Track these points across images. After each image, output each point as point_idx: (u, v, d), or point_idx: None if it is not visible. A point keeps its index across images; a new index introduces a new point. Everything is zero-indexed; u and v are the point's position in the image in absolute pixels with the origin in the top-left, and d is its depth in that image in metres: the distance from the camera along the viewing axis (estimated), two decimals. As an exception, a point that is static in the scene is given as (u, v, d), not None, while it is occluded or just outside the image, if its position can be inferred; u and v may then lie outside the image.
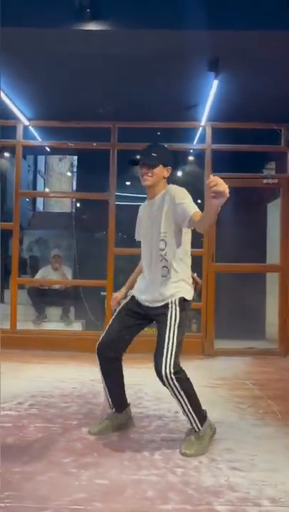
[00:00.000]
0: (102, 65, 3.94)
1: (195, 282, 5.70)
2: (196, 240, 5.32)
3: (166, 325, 2.36)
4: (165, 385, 2.30)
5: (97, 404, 3.17)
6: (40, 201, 9.40)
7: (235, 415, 3.03)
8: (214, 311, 5.19)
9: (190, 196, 2.37)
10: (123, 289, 2.73)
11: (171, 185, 2.48)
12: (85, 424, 2.75)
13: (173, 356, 2.29)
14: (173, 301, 2.42)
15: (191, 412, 2.39)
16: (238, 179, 5.26)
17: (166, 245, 2.42)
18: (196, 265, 5.34)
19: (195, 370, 4.39)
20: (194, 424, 2.41)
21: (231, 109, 4.78)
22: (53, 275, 6.03)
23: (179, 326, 2.38)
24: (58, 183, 10.86)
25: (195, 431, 2.42)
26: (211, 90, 4.19)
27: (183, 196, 2.35)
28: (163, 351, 2.29)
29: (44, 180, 9.89)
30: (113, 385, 2.61)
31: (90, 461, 2.23)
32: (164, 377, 2.26)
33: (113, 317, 2.61)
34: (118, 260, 5.29)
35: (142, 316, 2.56)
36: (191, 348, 5.06)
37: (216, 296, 5.21)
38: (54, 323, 5.88)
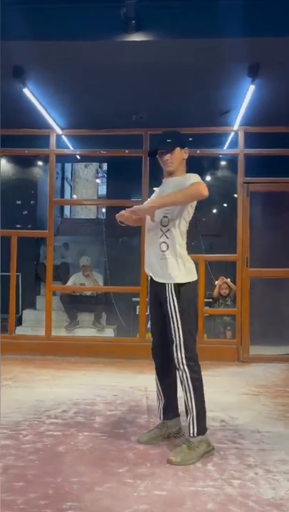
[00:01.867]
0: (137, 74, 3.96)
1: (229, 288, 5.72)
2: (230, 246, 5.33)
3: (169, 314, 2.45)
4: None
5: (140, 412, 3.18)
6: (67, 207, 9.51)
7: (281, 424, 2.99)
8: (249, 317, 5.14)
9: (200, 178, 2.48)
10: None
11: (190, 173, 2.57)
12: (133, 433, 2.76)
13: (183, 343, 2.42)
14: (169, 287, 2.44)
15: (194, 413, 2.40)
16: (270, 183, 5.23)
17: (168, 223, 2.47)
18: (230, 271, 5.36)
19: (232, 376, 4.39)
20: (191, 428, 2.40)
21: (264, 114, 4.75)
22: (84, 281, 6.08)
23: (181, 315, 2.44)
24: (84, 189, 10.96)
25: (189, 440, 2.39)
26: (247, 96, 4.17)
27: (194, 177, 2.48)
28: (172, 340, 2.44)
29: (71, 187, 10.00)
30: (167, 390, 2.64)
31: (144, 472, 2.23)
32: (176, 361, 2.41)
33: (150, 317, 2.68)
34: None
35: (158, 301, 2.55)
36: (226, 354, 5.05)
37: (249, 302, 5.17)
38: (86, 329, 5.93)
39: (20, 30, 3.34)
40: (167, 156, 2.52)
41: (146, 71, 3.78)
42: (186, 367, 2.41)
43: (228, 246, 5.27)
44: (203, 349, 5.14)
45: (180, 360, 2.42)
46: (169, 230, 2.47)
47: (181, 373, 2.43)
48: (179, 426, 2.70)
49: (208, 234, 6.04)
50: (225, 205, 6.04)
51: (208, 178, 6.41)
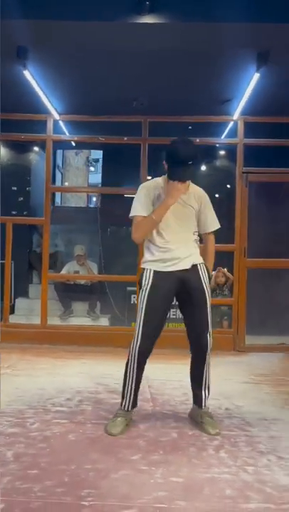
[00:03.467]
0: (142, 58, 3.89)
1: (226, 277, 5.72)
2: (227, 235, 5.32)
3: (203, 296, 2.62)
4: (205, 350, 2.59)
5: (145, 400, 3.16)
6: (57, 195, 9.37)
7: (287, 412, 3.01)
8: (245, 306, 5.16)
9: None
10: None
11: (193, 185, 2.68)
12: (140, 421, 2.74)
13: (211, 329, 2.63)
14: (201, 266, 2.64)
15: (209, 388, 2.69)
16: (270, 174, 5.23)
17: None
18: (228, 260, 5.35)
19: (230, 365, 4.41)
20: (205, 401, 2.69)
21: (265, 104, 4.72)
22: (78, 270, 6.03)
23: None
24: (75, 177, 10.82)
25: (207, 411, 2.69)
26: (250, 84, 4.13)
27: (210, 206, 2.73)
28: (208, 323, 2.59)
29: (62, 174, 9.85)
30: (139, 382, 2.67)
31: (158, 459, 2.23)
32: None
33: (145, 312, 2.55)
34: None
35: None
36: (222, 343, 5.04)
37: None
38: (80, 318, 5.88)
39: (23, 9, 3.23)
40: (182, 185, 2.48)
41: (152, 55, 3.70)
42: (210, 351, 2.62)
43: (226, 236, 5.26)
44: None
45: (208, 345, 2.60)
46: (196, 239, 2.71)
47: (207, 356, 2.62)
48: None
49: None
50: (223, 194, 6.02)
51: (206, 167, 6.39)
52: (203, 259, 2.67)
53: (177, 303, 2.71)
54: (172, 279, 2.56)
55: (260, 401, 3.22)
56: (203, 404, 2.67)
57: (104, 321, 5.86)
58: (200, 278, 2.59)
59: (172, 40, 3.35)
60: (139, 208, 2.58)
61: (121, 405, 2.64)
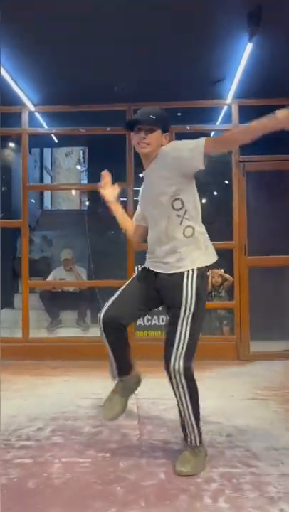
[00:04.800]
0: (118, 36, 3.44)
1: (223, 279, 5.22)
2: (226, 232, 4.82)
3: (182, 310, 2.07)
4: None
5: (131, 428, 2.66)
6: (47, 199, 8.91)
7: (300, 437, 2.49)
8: (248, 310, 4.64)
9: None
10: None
11: (165, 147, 2.14)
12: (122, 456, 2.24)
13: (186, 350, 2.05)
14: (190, 273, 2.08)
15: (193, 420, 2.08)
16: (268, 162, 4.73)
17: (183, 203, 2.09)
18: (227, 260, 4.85)
19: (234, 377, 3.88)
20: (193, 436, 2.11)
21: (262, 83, 4.23)
22: (66, 276, 5.55)
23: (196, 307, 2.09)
24: (66, 179, 10.34)
25: (192, 444, 2.10)
26: (243, 58, 3.66)
27: (180, 142, 2.08)
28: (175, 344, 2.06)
29: (51, 177, 9.38)
30: (119, 352, 2.25)
31: (137, 515, 1.72)
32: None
33: (123, 288, 2.27)
34: (138, 256, 4.77)
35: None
36: (224, 352, 4.56)
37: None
38: (69, 329, 5.40)
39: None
40: (144, 135, 2.10)
41: (132, 27, 3.26)
42: (182, 377, 2.02)
43: (224, 232, 4.76)
44: (199, 347, 4.69)
45: (173, 371, 2.03)
46: (186, 211, 2.10)
47: (175, 382, 2.04)
48: (138, 376, 2.39)
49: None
50: (218, 186, 5.52)
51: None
52: (241, 139, 2.05)
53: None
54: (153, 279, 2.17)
55: (268, 423, 2.71)
56: (187, 440, 2.13)
57: (95, 332, 5.35)
58: (181, 289, 2.07)
59: (155, 1, 2.87)
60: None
61: (113, 377, 2.34)
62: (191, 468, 2.03)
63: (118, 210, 2.41)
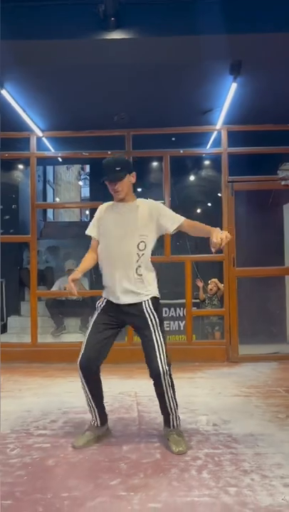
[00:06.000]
0: (117, 73, 3.89)
1: (217, 288, 5.68)
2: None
3: (148, 327, 2.54)
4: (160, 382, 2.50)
5: (131, 420, 3.10)
6: (50, 210, 9.37)
7: (274, 426, 2.93)
8: (237, 316, 5.10)
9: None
10: (78, 271, 2.66)
11: (142, 199, 2.68)
12: (124, 442, 2.68)
13: (165, 354, 2.51)
14: (147, 302, 2.57)
15: (175, 408, 2.59)
16: (255, 182, 5.20)
17: (145, 247, 2.57)
18: (218, 271, 5.32)
19: (222, 377, 4.34)
20: (175, 421, 2.62)
21: (247, 112, 4.72)
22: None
23: (161, 325, 2.58)
24: (67, 192, 10.83)
25: (175, 427, 2.61)
26: (229, 94, 4.13)
27: (166, 208, 2.69)
28: (155, 352, 2.50)
29: (53, 189, 9.86)
30: (97, 397, 2.69)
31: (138, 483, 2.16)
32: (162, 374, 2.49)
33: (90, 330, 2.65)
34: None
35: (116, 322, 2.64)
36: (215, 355, 5.00)
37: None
38: (73, 335, 5.82)
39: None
40: (117, 186, 2.55)
41: (125, 70, 3.70)
42: (167, 376, 2.50)
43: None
44: (192, 350, 5.15)
45: (163, 370, 2.49)
46: (144, 254, 2.57)
47: (163, 381, 2.50)
48: (107, 427, 2.81)
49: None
50: (209, 204, 5.99)
51: (192, 177, 6.37)
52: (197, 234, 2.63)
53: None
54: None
55: (249, 415, 3.15)
56: (171, 425, 2.62)
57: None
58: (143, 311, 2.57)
59: (143, 55, 3.34)
60: (90, 228, 2.75)
61: (91, 419, 2.72)
62: (184, 447, 2.52)
63: (78, 274, 2.65)
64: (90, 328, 2.66)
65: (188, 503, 1.97)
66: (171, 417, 2.60)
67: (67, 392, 3.83)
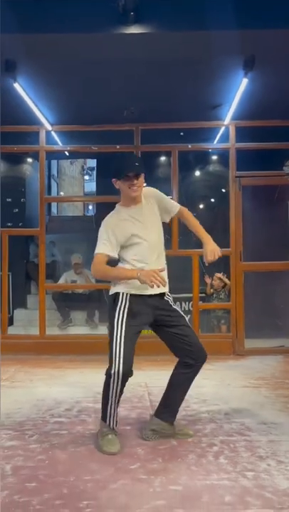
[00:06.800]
0: (130, 67, 3.92)
1: (223, 283, 5.72)
2: (223, 240, 5.33)
3: (182, 316, 2.60)
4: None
5: (144, 408, 3.16)
6: (53, 205, 9.40)
7: (285, 416, 2.99)
8: (243, 310, 5.16)
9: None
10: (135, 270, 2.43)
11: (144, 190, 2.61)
12: (139, 429, 2.74)
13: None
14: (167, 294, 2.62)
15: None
16: (262, 177, 5.25)
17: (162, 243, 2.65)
18: (225, 265, 5.36)
19: (230, 369, 4.41)
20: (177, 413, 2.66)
21: (255, 108, 4.77)
22: (76, 279, 6.03)
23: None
24: (71, 186, 10.86)
25: (175, 418, 2.65)
26: (239, 89, 4.17)
27: (160, 192, 2.65)
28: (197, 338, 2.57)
29: (57, 184, 9.89)
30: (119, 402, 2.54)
31: (157, 467, 2.22)
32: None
33: (124, 336, 2.43)
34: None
35: (144, 323, 2.57)
36: (222, 348, 5.06)
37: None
38: (79, 327, 5.88)
39: (11, 23, 3.25)
40: (139, 180, 2.43)
41: (139, 65, 3.74)
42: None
43: (222, 240, 5.27)
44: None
45: (203, 357, 2.53)
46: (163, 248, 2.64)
47: (199, 368, 2.55)
48: None
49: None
50: (217, 199, 6.04)
51: (199, 172, 6.40)
52: (193, 232, 2.67)
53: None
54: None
55: (259, 405, 3.21)
56: (175, 417, 2.66)
57: (102, 330, 5.84)
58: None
59: (159, 49, 3.38)
60: (102, 246, 2.45)
61: (108, 424, 2.49)
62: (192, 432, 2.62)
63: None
64: (123, 333, 2.43)
65: (208, 486, 2.02)
66: (178, 408, 2.63)
67: (77, 382, 3.90)
